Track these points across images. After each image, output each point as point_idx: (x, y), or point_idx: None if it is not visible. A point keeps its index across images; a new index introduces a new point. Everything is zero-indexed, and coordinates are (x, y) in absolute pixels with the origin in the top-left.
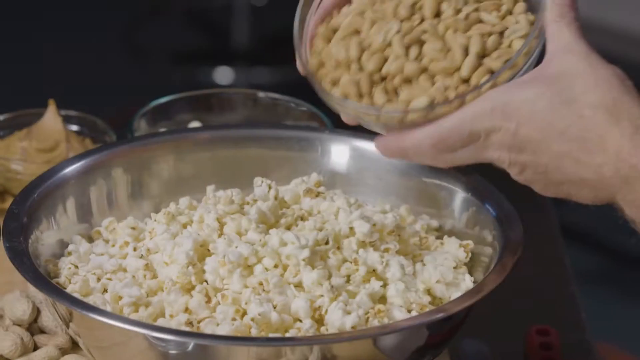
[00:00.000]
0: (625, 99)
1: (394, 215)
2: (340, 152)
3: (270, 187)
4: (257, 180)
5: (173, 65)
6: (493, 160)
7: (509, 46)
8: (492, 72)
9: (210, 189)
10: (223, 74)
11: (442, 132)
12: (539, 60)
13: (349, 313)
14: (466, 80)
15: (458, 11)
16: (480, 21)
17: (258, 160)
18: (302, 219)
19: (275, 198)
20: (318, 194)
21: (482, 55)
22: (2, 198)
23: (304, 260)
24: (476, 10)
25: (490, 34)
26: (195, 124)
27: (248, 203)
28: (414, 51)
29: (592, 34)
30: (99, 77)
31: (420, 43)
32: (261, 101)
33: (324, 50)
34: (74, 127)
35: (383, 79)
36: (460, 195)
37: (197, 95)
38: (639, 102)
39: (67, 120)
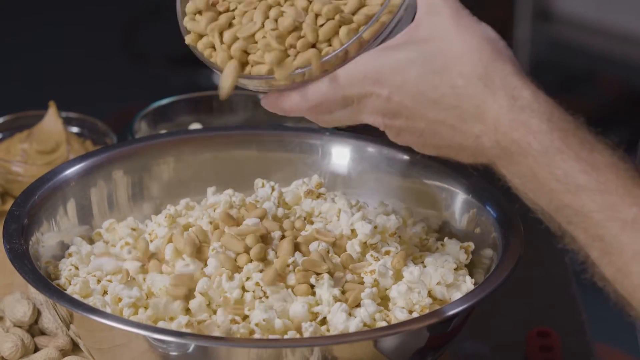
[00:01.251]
0: (497, 66)
1: (397, 217)
2: (340, 154)
3: (273, 189)
4: (258, 182)
5: (173, 67)
6: (369, 123)
7: (382, 4)
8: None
9: (210, 190)
10: None
11: (316, 96)
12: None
13: (352, 316)
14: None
15: None
16: None
17: (259, 162)
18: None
19: (279, 201)
20: (319, 195)
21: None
22: (2, 200)
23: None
24: None
25: None
26: (195, 126)
27: (244, 206)
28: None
29: (592, 34)
30: (99, 79)
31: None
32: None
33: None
34: (75, 129)
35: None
36: (461, 197)
37: (197, 97)
38: (511, 67)
39: (67, 122)
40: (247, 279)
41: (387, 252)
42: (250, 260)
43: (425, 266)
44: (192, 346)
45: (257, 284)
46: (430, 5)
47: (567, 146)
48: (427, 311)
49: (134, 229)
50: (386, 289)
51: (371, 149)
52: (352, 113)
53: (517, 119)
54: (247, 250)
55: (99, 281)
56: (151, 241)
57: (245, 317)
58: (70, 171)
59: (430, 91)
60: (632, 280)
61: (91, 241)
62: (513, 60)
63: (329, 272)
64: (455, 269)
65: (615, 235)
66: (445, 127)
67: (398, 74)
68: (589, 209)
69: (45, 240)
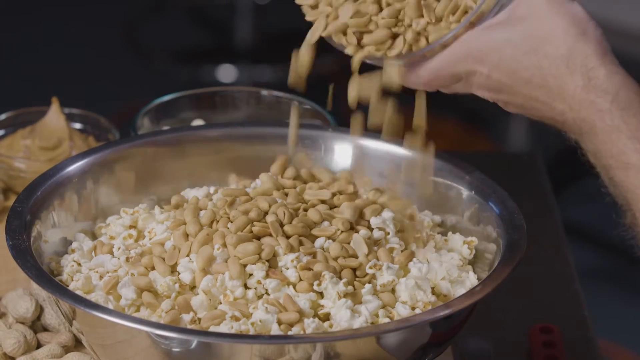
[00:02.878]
0: (580, 47)
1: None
2: (343, 150)
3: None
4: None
5: (176, 64)
6: (479, 95)
7: None
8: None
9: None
10: (226, 72)
11: (429, 74)
12: None
13: (357, 313)
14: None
15: None
16: None
17: (261, 158)
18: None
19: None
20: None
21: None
22: (5, 196)
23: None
24: None
25: None
26: (198, 122)
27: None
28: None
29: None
30: (102, 75)
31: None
32: (264, 99)
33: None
34: (77, 125)
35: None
36: (464, 193)
37: (200, 94)
38: (594, 48)
39: (70, 118)
40: (250, 275)
41: (391, 250)
42: (259, 259)
43: (429, 262)
44: (194, 342)
45: (259, 282)
46: None
47: (626, 125)
48: (429, 308)
49: (132, 227)
50: (392, 284)
51: (373, 145)
52: (464, 87)
53: (587, 98)
54: (257, 252)
55: (101, 277)
56: (150, 239)
57: (249, 315)
58: (72, 167)
59: (522, 71)
60: None
61: (94, 237)
62: (598, 41)
63: (333, 271)
64: (459, 265)
65: None
66: (539, 103)
67: (495, 53)
68: (636, 186)
69: (47, 236)
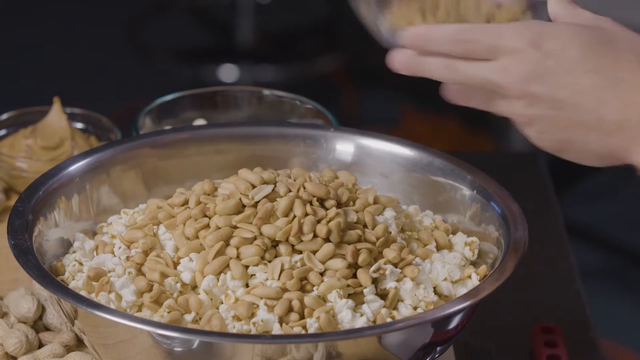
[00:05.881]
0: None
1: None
2: (345, 150)
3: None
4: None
5: (178, 63)
6: (498, 89)
7: None
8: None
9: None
10: (228, 72)
11: (464, 28)
12: None
13: (360, 314)
14: None
15: None
16: None
17: (263, 158)
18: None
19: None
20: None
21: None
22: (7, 196)
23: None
24: None
25: None
26: (200, 122)
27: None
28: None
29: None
30: (104, 75)
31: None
32: (266, 99)
33: None
34: (79, 125)
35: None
36: (465, 193)
37: (202, 93)
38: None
39: (72, 117)
40: (252, 276)
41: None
42: (262, 261)
43: (432, 262)
44: (196, 342)
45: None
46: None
47: None
48: (432, 307)
49: (136, 225)
50: (394, 290)
51: (375, 145)
52: (489, 71)
53: None
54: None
55: None
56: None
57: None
58: (74, 167)
59: (592, 58)
60: None
61: (95, 237)
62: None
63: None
64: (461, 265)
65: None
66: (590, 97)
67: (563, 36)
68: None
69: (49, 235)
